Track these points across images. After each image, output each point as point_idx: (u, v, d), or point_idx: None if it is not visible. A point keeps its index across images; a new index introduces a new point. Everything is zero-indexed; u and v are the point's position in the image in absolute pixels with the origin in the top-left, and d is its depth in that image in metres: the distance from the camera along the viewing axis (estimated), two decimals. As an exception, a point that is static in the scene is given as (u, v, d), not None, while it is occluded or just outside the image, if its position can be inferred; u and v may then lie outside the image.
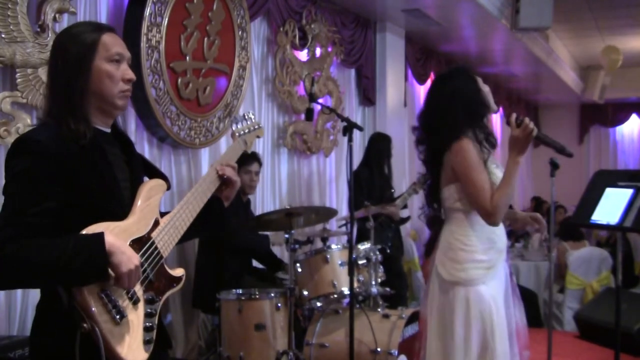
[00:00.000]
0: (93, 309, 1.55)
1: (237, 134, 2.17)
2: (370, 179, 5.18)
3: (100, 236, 1.57)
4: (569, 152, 2.55)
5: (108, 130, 1.81)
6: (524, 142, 2.43)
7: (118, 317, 1.60)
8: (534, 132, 2.43)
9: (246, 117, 2.24)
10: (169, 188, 1.92)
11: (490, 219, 2.44)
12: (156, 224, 1.78)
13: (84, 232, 1.59)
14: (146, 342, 1.68)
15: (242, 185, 4.18)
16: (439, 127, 2.58)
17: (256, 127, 2.25)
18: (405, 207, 5.28)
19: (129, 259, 1.59)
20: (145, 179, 1.90)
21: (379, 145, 5.37)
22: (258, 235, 4.27)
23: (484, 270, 2.48)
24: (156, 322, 1.74)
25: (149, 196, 1.80)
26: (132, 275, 1.60)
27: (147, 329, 1.69)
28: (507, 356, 2.47)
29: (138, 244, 1.69)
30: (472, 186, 2.46)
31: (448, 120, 2.54)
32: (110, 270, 1.57)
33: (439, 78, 2.79)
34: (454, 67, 2.75)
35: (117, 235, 1.62)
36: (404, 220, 5.50)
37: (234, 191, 2.05)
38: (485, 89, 2.62)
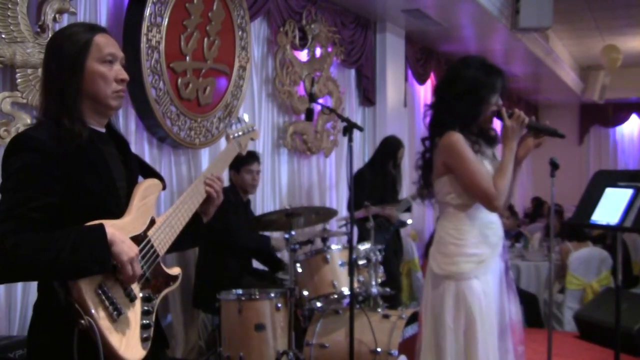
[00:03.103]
0: (90, 304, 1.56)
1: (231, 136, 2.17)
2: (372, 180, 5.17)
3: (100, 227, 1.60)
4: (561, 133, 2.60)
5: (103, 130, 1.82)
6: (518, 131, 2.53)
7: (115, 313, 1.60)
8: (526, 121, 2.53)
9: (240, 119, 2.25)
10: (164, 188, 1.92)
11: (493, 203, 2.47)
12: (152, 223, 1.79)
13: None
14: (144, 340, 1.69)
15: (244, 185, 4.22)
16: (437, 113, 2.61)
17: (250, 129, 2.26)
18: (407, 210, 5.27)
19: (129, 247, 1.62)
20: (140, 178, 1.91)
21: (387, 148, 5.36)
22: (259, 235, 4.27)
23: (474, 264, 2.48)
24: (153, 320, 1.74)
25: (145, 195, 1.81)
26: (134, 264, 1.63)
27: (144, 327, 1.70)
28: (494, 350, 2.47)
29: (134, 242, 1.69)
30: (470, 176, 2.47)
31: (445, 107, 2.56)
32: (112, 261, 1.59)
33: (460, 61, 2.65)
34: (483, 58, 2.62)
35: None
36: (404, 223, 5.49)
37: (214, 208, 2.03)
38: (495, 101, 2.56)
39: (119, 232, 1.64)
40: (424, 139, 2.69)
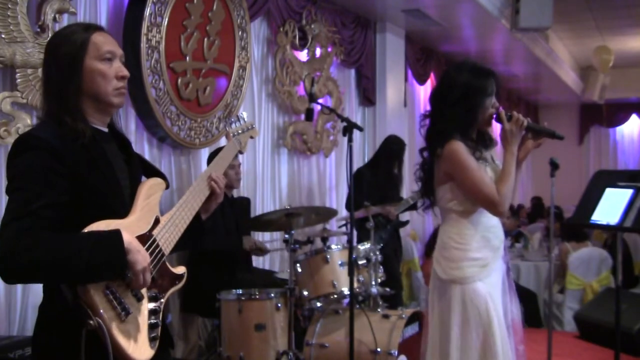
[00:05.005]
0: (99, 305, 1.55)
1: (231, 135, 2.18)
2: (372, 179, 5.16)
3: (117, 233, 1.59)
4: (559, 135, 2.61)
5: (106, 129, 1.82)
6: (517, 134, 2.54)
7: (123, 313, 1.60)
8: (525, 124, 2.54)
9: (240, 117, 2.27)
10: (167, 187, 1.92)
11: (497, 209, 2.49)
12: (156, 222, 1.79)
13: (91, 228, 1.59)
14: (152, 339, 1.69)
15: (229, 181, 4.15)
16: (434, 123, 2.60)
17: (250, 127, 2.28)
18: (410, 209, 5.26)
19: (143, 257, 1.62)
20: (143, 178, 1.91)
21: (392, 147, 5.31)
22: (227, 238, 4.13)
23: (478, 268, 2.50)
24: (160, 319, 1.74)
25: (149, 194, 1.81)
26: (146, 274, 1.63)
27: (152, 326, 1.70)
28: (508, 353, 2.48)
29: (140, 241, 1.69)
30: (473, 183, 2.48)
31: (442, 116, 2.56)
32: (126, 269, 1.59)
33: (452, 68, 2.67)
34: (473, 63, 2.62)
35: None
36: (403, 223, 5.48)
37: (216, 205, 2.05)
38: (491, 104, 2.56)
39: (135, 240, 1.63)
40: (422, 149, 2.69)
